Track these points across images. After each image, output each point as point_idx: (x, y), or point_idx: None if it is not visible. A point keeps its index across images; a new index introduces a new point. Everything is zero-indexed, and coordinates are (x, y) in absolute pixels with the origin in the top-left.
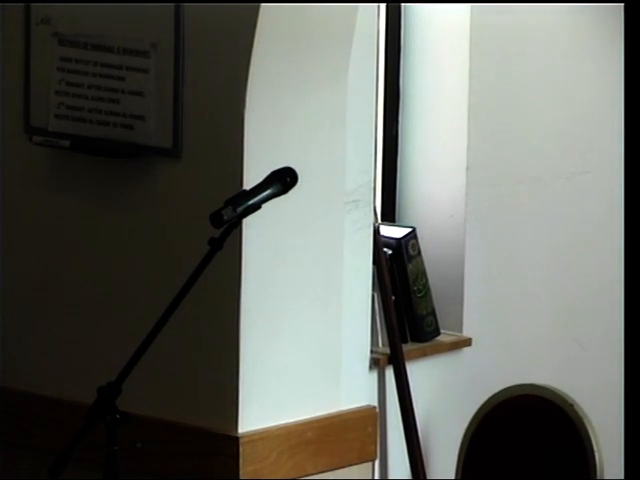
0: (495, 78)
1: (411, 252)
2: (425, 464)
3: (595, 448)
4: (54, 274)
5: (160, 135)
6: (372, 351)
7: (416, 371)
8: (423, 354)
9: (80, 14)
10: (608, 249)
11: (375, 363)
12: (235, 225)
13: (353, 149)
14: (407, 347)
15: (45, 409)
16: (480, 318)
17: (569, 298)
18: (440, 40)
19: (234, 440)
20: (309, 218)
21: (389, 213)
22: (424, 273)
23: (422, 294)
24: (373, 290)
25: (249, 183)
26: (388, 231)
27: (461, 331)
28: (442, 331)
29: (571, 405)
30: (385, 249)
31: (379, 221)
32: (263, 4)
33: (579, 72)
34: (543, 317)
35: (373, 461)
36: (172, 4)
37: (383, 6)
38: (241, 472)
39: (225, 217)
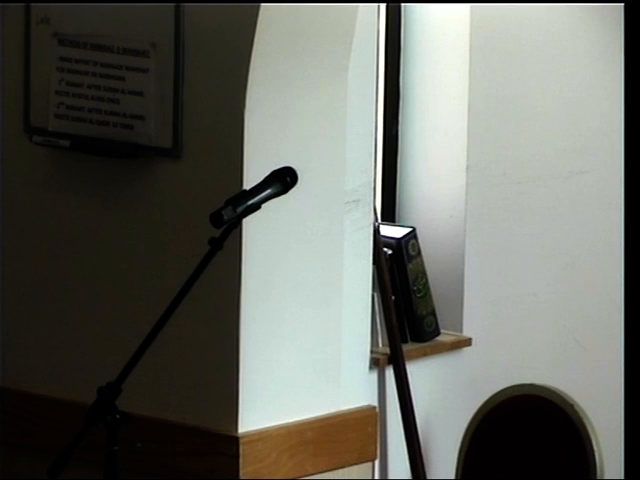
0: (495, 78)
1: (411, 252)
2: (425, 464)
3: (595, 448)
4: (54, 274)
5: (160, 135)
6: (372, 351)
7: (416, 371)
8: (423, 354)
9: (80, 14)
10: (608, 249)
11: (375, 363)
12: (235, 225)
13: (353, 149)
14: (407, 347)
15: (45, 409)
16: (480, 318)
17: (569, 298)
18: (440, 40)
19: (234, 440)
20: (309, 218)
21: (389, 213)
22: (424, 273)
23: (422, 294)
24: (373, 290)
25: (249, 183)
26: (388, 231)
27: (461, 331)
28: (442, 331)
29: (571, 405)
30: (385, 249)
31: (379, 221)
32: (263, 4)
33: (579, 72)
34: (543, 317)
35: (373, 461)
36: (172, 4)
37: (383, 6)
38: (241, 472)
39: (225, 217)
